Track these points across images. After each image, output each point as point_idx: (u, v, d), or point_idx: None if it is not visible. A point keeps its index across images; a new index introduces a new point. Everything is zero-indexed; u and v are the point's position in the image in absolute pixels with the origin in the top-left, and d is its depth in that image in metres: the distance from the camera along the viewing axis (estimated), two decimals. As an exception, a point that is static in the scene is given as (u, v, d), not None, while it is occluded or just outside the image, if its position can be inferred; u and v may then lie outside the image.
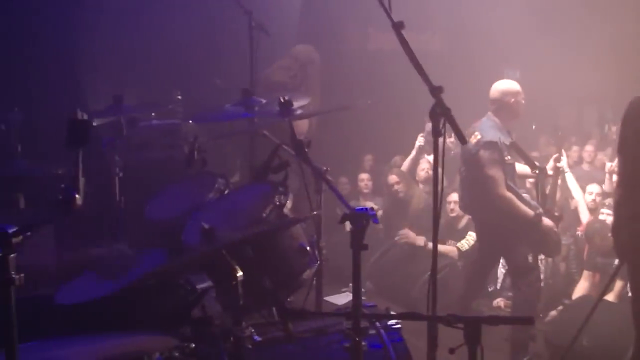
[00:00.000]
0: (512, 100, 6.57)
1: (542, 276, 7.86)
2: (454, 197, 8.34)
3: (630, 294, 5.58)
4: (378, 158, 11.00)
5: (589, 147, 11.08)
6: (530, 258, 6.68)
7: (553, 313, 7.54)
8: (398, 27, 3.21)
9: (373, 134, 10.72)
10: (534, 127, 11.25)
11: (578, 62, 11.94)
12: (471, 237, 8.08)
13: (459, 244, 8.25)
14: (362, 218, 2.92)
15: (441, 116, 3.33)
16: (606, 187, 9.03)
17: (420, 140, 9.92)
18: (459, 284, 7.38)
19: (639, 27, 11.42)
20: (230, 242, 2.85)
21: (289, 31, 9.04)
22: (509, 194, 6.33)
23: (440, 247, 8.35)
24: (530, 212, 6.40)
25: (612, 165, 9.00)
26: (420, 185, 9.55)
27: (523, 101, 6.63)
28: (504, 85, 6.68)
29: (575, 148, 11.03)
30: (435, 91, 3.32)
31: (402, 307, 7.03)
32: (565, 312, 7.06)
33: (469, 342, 3.00)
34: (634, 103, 4.72)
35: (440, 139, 3.41)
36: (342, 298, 8.08)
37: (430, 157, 9.72)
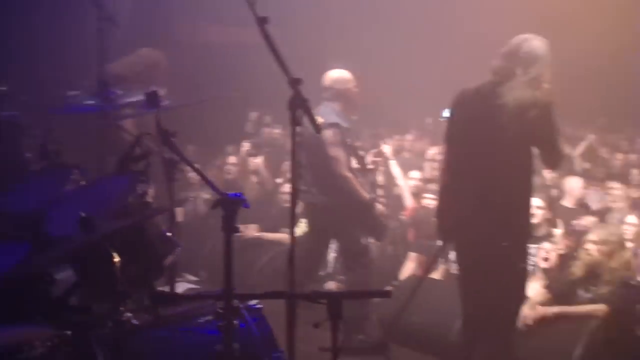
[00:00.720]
0: (344, 87, 6.81)
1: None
2: (287, 188, 8.67)
3: (455, 272, 6.02)
4: (200, 149, 11.14)
5: (409, 136, 11.71)
6: (363, 241, 7.01)
7: (382, 293, 7.94)
8: (262, 22, 3.36)
9: (192, 125, 10.83)
10: (354, 118, 11.69)
11: (402, 57, 12.56)
12: (304, 224, 8.32)
13: (293, 231, 8.46)
14: (233, 203, 3.06)
15: (299, 107, 3.50)
16: (426, 173, 9.58)
17: (246, 146, 10.16)
18: (294, 270, 7.60)
19: (463, 26, 12.17)
20: (111, 230, 2.91)
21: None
22: (350, 174, 6.62)
23: (275, 235, 8.63)
24: (367, 195, 6.73)
25: (433, 152, 9.57)
26: (252, 177, 9.77)
27: (356, 89, 6.93)
28: (336, 74, 6.91)
29: (396, 137, 11.60)
30: (294, 83, 3.49)
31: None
32: (395, 292, 7.42)
33: (332, 317, 3.21)
34: (461, 95, 5.08)
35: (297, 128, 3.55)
36: (177, 287, 8.13)
37: (256, 160, 10.02)
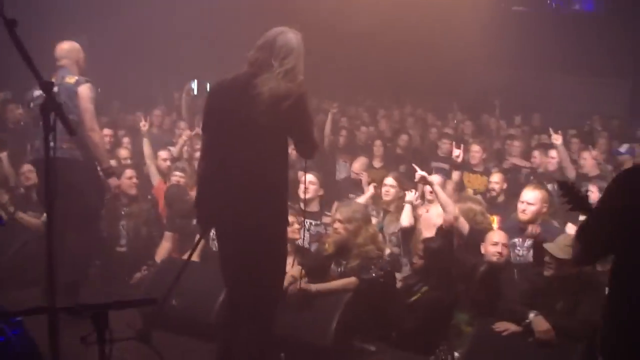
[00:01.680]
0: (77, 57, 7.01)
1: (124, 241, 8.17)
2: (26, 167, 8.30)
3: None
4: None
5: (157, 112, 11.56)
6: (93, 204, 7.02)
7: (137, 275, 7.83)
8: (10, 24, 3.17)
9: None
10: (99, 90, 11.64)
11: (146, 31, 12.38)
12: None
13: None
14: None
15: (52, 110, 3.35)
16: (177, 151, 9.57)
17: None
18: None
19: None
20: None
21: None
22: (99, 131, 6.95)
23: (29, 220, 8.22)
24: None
25: (189, 133, 9.66)
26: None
27: (84, 59, 7.08)
28: (68, 45, 7.04)
29: (139, 113, 11.41)
30: (46, 86, 3.34)
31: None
32: (154, 274, 7.24)
33: (98, 328, 3.12)
34: (217, 84, 5.06)
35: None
36: None
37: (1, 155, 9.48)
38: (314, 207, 7.90)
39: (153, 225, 8.37)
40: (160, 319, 6.26)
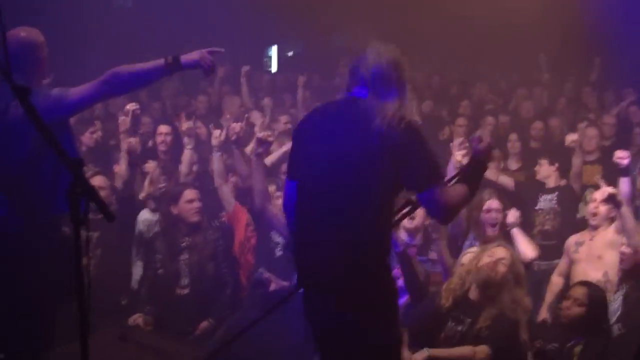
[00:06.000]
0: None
1: (186, 281, 8.03)
2: None
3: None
4: None
5: (201, 98, 12.70)
6: None
7: (204, 324, 7.74)
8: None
9: None
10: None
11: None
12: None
13: None
14: None
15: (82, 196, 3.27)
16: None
17: None
18: None
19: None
20: None
21: None
22: None
23: None
24: None
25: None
26: None
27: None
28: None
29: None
30: (76, 165, 3.28)
31: None
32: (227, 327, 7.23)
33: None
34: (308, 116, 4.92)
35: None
36: None
37: None
38: (419, 238, 7.58)
39: (223, 262, 8.07)
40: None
